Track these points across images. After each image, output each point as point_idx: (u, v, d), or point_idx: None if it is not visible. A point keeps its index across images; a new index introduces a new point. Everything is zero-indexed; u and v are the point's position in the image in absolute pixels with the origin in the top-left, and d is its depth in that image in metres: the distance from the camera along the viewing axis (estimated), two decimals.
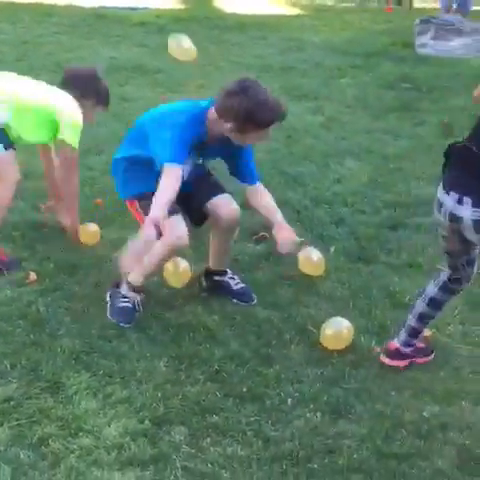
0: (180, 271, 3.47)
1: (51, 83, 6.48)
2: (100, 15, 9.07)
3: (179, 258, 3.45)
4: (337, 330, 3.11)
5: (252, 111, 3.00)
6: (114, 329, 3.14)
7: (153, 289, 3.43)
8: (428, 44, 8.13)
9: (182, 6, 10.03)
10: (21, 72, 6.62)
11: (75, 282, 3.48)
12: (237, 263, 3.70)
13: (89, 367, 2.90)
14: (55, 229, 3.94)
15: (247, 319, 3.26)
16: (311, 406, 2.75)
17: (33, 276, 3.49)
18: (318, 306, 3.39)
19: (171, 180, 3.03)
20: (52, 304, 3.28)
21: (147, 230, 2.88)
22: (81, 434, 2.55)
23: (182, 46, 3.75)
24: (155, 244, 2.95)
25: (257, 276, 3.62)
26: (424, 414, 2.73)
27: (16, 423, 2.59)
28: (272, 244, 3.85)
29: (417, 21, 8.43)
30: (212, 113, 3.12)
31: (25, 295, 3.35)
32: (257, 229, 3.95)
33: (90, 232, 3.83)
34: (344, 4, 10.64)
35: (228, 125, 3.06)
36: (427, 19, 8.41)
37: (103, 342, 3.05)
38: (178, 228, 3.12)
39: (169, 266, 3.41)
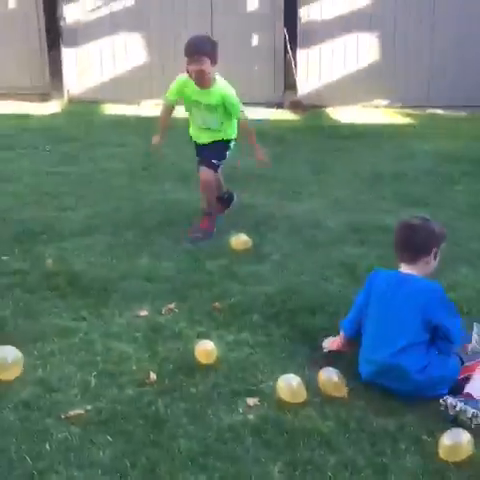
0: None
1: (173, 191, 6.86)
2: None
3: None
4: (456, 441, 3.05)
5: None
6: (230, 432, 3.20)
7: (268, 392, 3.49)
8: None
9: (298, 117, 10.45)
10: (146, 181, 7.13)
11: (193, 383, 3.58)
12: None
13: (205, 469, 2.95)
14: (173, 331, 4.10)
15: (362, 426, 3.24)
16: None
17: (153, 376, 3.63)
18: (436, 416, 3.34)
19: None
20: (171, 405, 3.39)
21: None
22: None
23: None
24: None
25: (370, 384, 3.61)
26: None
27: None
28: None
29: None
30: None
31: (145, 395, 3.48)
32: None
33: (207, 351, 3.81)
34: (455, 113, 10.75)
35: (432, 253, 3.60)
36: None
37: (219, 444, 3.11)
38: None
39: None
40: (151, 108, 10.66)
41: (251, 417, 3.31)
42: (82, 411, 3.33)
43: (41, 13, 11.02)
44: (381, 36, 11.11)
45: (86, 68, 11.34)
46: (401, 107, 10.97)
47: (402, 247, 3.59)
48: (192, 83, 5.32)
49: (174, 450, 3.06)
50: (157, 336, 4.05)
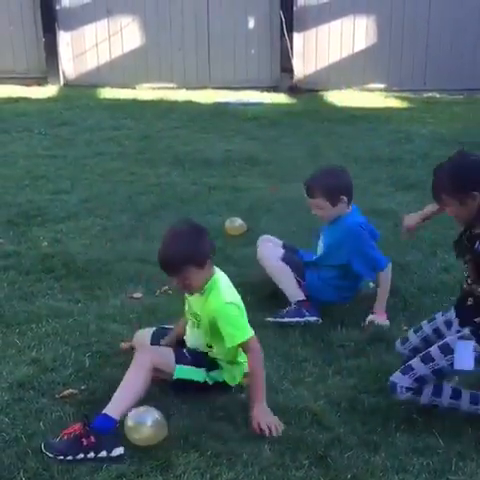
0: None
1: (168, 175, 6.87)
2: (217, 111, 9.58)
3: None
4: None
5: None
6: (222, 411, 3.23)
7: None
8: None
9: (294, 101, 10.44)
10: (141, 164, 7.14)
11: None
12: (343, 349, 3.75)
13: (197, 447, 2.98)
14: (167, 312, 4.11)
15: (353, 405, 3.28)
16: None
17: None
18: None
19: None
20: (164, 385, 3.41)
21: None
22: None
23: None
24: None
25: (362, 362, 3.64)
26: None
27: None
28: (378, 330, 3.92)
29: None
30: None
31: None
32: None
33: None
34: (452, 96, 10.74)
35: None
36: None
37: (212, 423, 3.14)
38: None
39: None
40: (147, 92, 10.67)
41: (243, 396, 3.34)
42: (76, 391, 3.36)
43: None
44: (378, 19, 11.08)
45: (82, 52, 11.30)
46: (398, 91, 10.96)
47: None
48: None
49: (168, 428, 3.09)
50: (151, 317, 4.08)
